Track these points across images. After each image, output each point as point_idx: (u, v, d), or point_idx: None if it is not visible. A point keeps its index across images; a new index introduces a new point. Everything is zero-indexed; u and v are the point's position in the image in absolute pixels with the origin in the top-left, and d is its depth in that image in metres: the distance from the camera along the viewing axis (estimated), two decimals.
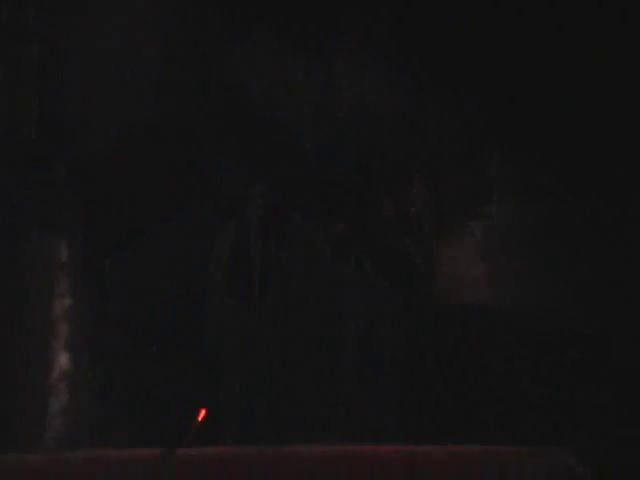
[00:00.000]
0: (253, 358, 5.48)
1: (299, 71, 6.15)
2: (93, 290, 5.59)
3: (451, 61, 6.29)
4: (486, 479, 4.20)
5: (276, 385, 5.43)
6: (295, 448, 4.30)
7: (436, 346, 5.84)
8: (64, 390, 5.52)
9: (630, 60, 6.59)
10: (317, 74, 6.17)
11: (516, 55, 6.55)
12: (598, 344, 5.97)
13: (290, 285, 5.75)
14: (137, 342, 5.48)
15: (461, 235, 6.09)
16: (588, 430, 5.68)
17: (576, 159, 6.35)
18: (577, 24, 6.62)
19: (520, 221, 6.16)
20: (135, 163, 5.75)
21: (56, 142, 5.81)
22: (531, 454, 4.21)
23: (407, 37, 6.22)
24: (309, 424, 5.37)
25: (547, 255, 6.10)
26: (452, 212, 6.13)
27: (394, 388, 5.81)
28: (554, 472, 4.13)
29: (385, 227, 5.96)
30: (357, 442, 4.74)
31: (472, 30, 6.41)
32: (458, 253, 6.02)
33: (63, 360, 5.60)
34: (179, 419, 4.66)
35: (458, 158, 6.18)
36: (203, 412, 4.69)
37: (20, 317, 5.70)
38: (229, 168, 5.79)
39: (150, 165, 5.78)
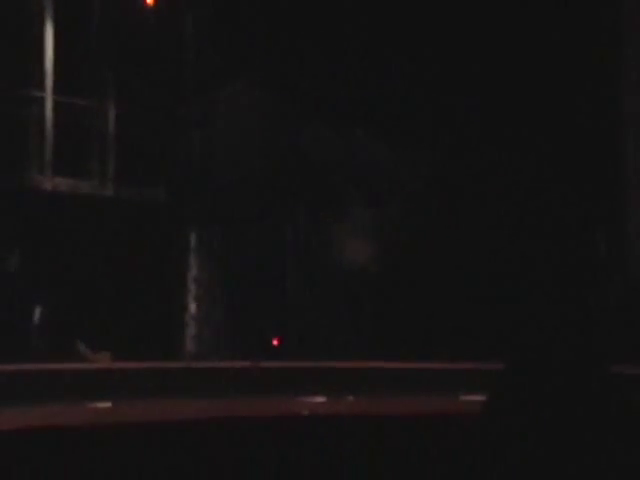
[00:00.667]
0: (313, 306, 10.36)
1: (338, 140, 11.21)
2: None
3: None
4: None
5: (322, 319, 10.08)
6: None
7: None
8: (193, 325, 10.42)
9: None
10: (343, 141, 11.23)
11: None
12: None
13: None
14: (242, 294, 10.54)
15: None
16: None
17: None
18: None
19: None
20: (250, 193, 10.87)
21: (207, 177, 10.92)
22: None
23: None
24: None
25: None
26: None
27: None
28: None
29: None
30: None
31: None
32: None
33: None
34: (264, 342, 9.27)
35: None
36: (277, 338, 9.16)
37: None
38: (296, 198, 10.92)
39: (258, 195, 10.94)
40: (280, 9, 10.56)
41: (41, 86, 10.08)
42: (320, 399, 5.32)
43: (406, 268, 9.82)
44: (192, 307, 10.52)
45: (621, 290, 9.55)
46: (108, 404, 4.70)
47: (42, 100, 10.07)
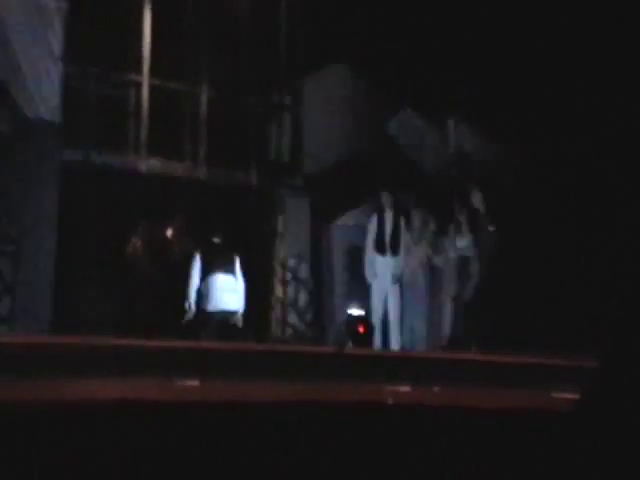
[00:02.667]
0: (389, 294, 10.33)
1: (427, 130, 11.10)
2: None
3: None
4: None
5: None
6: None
7: None
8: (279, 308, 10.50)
9: None
10: (435, 132, 11.12)
11: None
12: None
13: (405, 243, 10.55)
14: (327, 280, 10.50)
15: None
16: None
17: None
18: None
19: None
20: (340, 178, 10.86)
21: (298, 163, 10.95)
22: None
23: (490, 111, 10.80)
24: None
25: None
26: None
27: None
28: None
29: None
30: None
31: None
32: None
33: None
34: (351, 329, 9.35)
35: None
36: (362, 325, 9.25)
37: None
38: (385, 184, 10.88)
39: (345, 179, 10.93)
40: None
41: (138, 70, 10.26)
42: (405, 388, 5.29)
43: (500, 261, 9.65)
44: (278, 290, 10.59)
45: None
46: (196, 382, 4.76)
47: (139, 84, 10.26)
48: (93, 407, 3.63)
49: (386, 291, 9.93)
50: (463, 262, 9.80)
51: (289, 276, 10.68)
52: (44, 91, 9.25)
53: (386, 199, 10.26)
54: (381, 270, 10.01)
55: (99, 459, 3.43)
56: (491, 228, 9.93)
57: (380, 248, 10.09)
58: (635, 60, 9.34)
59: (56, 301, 8.89)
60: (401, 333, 9.79)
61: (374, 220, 10.20)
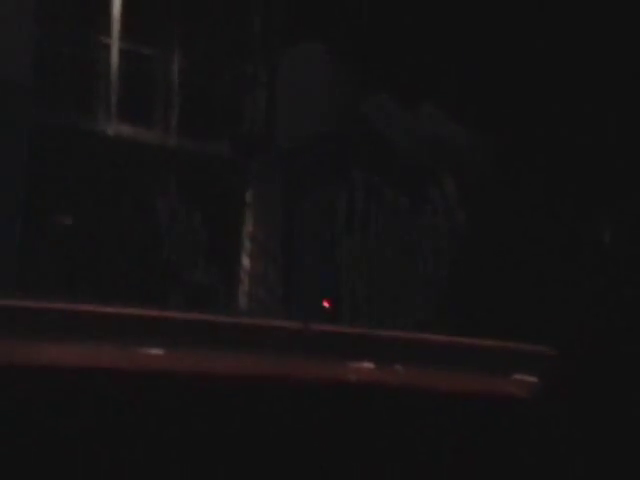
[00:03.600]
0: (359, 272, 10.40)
1: (400, 110, 11.08)
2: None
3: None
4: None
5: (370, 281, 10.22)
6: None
7: None
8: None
9: None
10: (408, 112, 11.11)
11: None
12: None
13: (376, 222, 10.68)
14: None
15: None
16: None
17: None
18: None
19: None
20: (313, 154, 10.85)
21: (271, 136, 10.90)
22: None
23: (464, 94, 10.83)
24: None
25: None
26: None
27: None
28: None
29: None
30: None
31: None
32: None
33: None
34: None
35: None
36: (328, 301, 9.31)
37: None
38: (356, 160, 10.87)
39: (317, 155, 10.91)
40: None
41: (108, 33, 10.10)
42: (368, 365, 5.29)
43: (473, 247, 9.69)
44: (246, 263, 10.56)
45: None
46: (160, 351, 4.72)
47: (108, 47, 10.10)
48: (50, 374, 3.62)
49: (355, 268, 9.95)
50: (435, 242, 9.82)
51: (257, 248, 10.64)
52: (15, 52, 9.19)
53: (358, 177, 10.25)
54: (351, 248, 10.03)
55: (55, 429, 3.41)
56: (461, 214, 9.98)
57: (350, 225, 10.09)
58: (603, 47, 9.36)
59: (20, 261, 8.75)
60: (370, 310, 9.82)
61: (345, 197, 10.20)
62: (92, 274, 9.10)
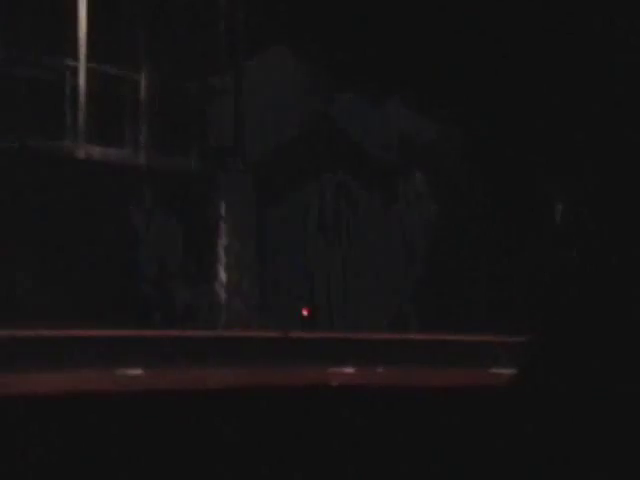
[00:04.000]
0: (333, 276, 10.48)
1: (367, 109, 11.16)
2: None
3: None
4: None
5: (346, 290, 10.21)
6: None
7: None
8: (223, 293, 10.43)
9: None
10: (375, 111, 11.19)
11: None
12: None
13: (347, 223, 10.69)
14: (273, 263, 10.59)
15: None
16: None
17: None
18: None
19: None
20: (282, 160, 10.89)
21: (240, 146, 10.93)
22: None
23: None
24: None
25: None
26: None
27: None
28: None
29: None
30: None
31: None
32: None
33: None
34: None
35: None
36: (306, 310, 9.28)
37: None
38: (326, 163, 10.91)
39: (287, 161, 10.95)
40: None
41: (75, 54, 10.08)
42: (349, 370, 5.33)
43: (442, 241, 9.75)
44: (222, 275, 10.56)
45: None
46: (138, 371, 4.73)
47: (75, 68, 10.07)
48: (32, 401, 3.62)
49: (330, 273, 9.97)
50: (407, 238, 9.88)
51: (233, 260, 10.63)
52: None
53: (328, 179, 10.30)
54: (324, 252, 10.06)
55: (40, 455, 3.44)
56: (432, 209, 10.04)
57: (323, 230, 10.11)
58: (565, 41, 9.49)
59: None
60: (346, 314, 9.84)
61: (316, 200, 10.23)
62: (67, 297, 9.05)
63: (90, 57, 10.12)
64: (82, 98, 10.04)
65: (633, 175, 2.89)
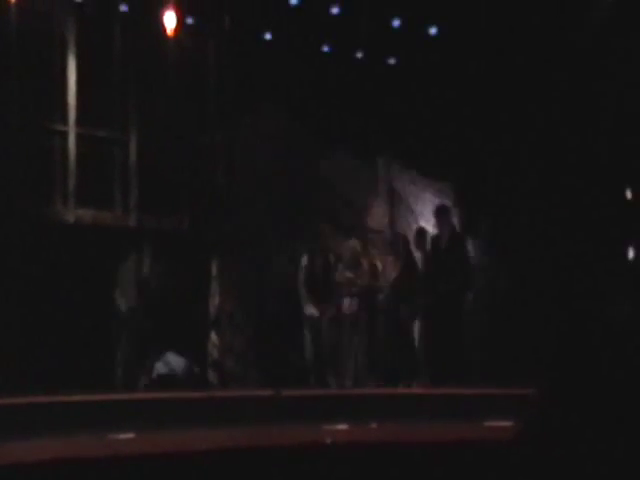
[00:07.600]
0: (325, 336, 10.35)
1: (361, 167, 11.28)
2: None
3: None
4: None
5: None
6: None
7: None
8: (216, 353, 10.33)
9: None
10: (365, 168, 11.30)
11: None
12: None
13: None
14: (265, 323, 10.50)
15: None
16: None
17: None
18: None
19: None
20: (272, 218, 10.92)
21: (232, 205, 10.95)
22: None
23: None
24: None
25: None
26: None
27: None
28: None
29: None
30: None
31: None
32: None
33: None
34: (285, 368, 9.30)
35: None
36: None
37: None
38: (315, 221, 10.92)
39: (278, 219, 10.99)
40: (303, 40, 10.64)
41: (64, 119, 10.16)
42: (343, 426, 5.29)
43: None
44: (214, 337, 10.51)
45: None
46: (131, 435, 4.69)
47: (65, 133, 10.15)
48: (24, 471, 3.58)
49: (319, 330, 9.98)
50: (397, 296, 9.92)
51: (226, 321, 10.60)
52: None
53: (318, 240, 10.40)
54: (313, 310, 10.05)
55: None
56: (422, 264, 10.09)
57: (312, 289, 10.13)
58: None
59: None
60: (337, 372, 9.82)
61: (305, 261, 10.26)
62: (54, 362, 9.00)
63: (79, 121, 10.21)
64: (72, 162, 10.10)
65: None
